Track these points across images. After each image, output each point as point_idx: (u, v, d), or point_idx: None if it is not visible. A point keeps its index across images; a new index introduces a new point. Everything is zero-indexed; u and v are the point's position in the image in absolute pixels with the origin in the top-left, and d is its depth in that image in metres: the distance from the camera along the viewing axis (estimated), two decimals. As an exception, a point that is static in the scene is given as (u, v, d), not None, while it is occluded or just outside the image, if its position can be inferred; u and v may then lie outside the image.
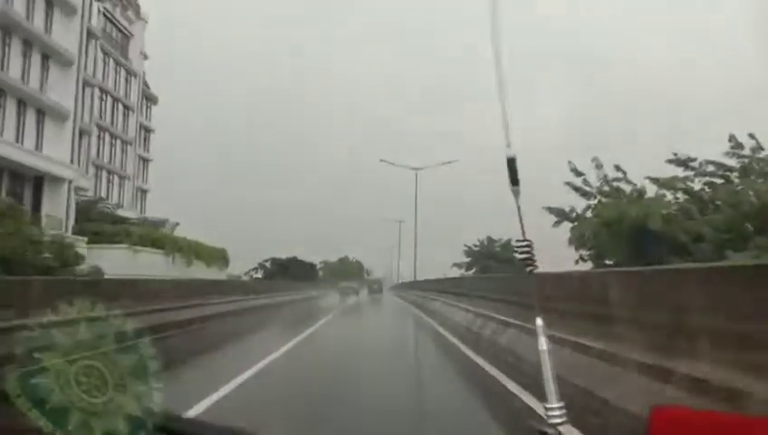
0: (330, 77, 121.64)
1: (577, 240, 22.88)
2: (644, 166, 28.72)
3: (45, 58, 29.71)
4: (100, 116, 41.70)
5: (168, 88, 79.09)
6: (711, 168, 21.11)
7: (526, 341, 6.90)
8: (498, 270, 39.29)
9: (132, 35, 47.94)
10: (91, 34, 33.79)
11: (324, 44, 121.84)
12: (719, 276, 4.10)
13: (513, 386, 5.92)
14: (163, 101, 54.07)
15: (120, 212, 39.74)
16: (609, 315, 5.22)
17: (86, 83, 33.13)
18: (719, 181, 20.84)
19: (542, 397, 1.44)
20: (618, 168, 22.99)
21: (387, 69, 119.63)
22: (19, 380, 1.04)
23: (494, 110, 1.51)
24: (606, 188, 22.81)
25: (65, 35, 30.34)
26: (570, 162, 23.43)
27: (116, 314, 1.13)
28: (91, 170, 37.74)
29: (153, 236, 33.81)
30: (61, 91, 30.06)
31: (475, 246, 50.56)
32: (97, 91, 39.17)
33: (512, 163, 1.60)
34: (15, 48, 27.86)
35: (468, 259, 50.18)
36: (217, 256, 43.69)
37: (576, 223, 23.39)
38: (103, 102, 42.57)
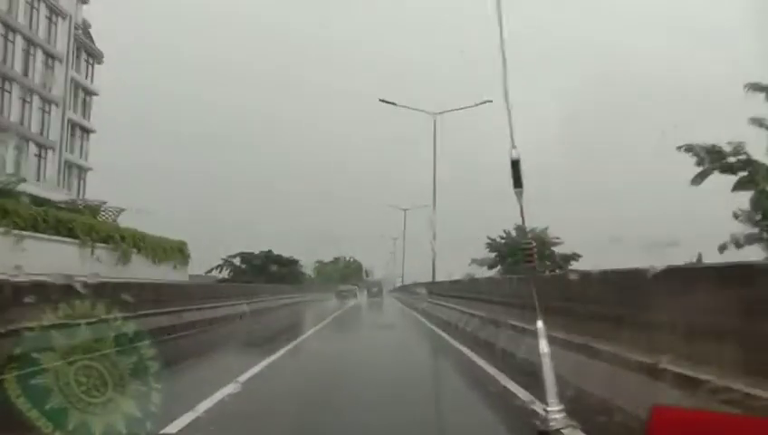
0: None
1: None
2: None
3: None
4: (3, 60, 30.89)
5: (126, 47, 66.18)
6: None
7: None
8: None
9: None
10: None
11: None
12: None
13: None
14: (117, 60, 43.47)
15: (37, 191, 29.10)
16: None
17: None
18: None
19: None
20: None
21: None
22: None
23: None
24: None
25: None
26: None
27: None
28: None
29: (60, 218, 23.16)
30: None
31: (501, 238, 39.87)
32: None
33: (516, 165, 1.93)
34: None
35: (492, 255, 40.03)
36: (172, 251, 33.25)
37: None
38: (10, 43, 31.70)
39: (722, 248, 14.90)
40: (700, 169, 15.02)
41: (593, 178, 56.31)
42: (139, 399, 2.38)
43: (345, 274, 65.52)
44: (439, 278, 29.89)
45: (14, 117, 32.13)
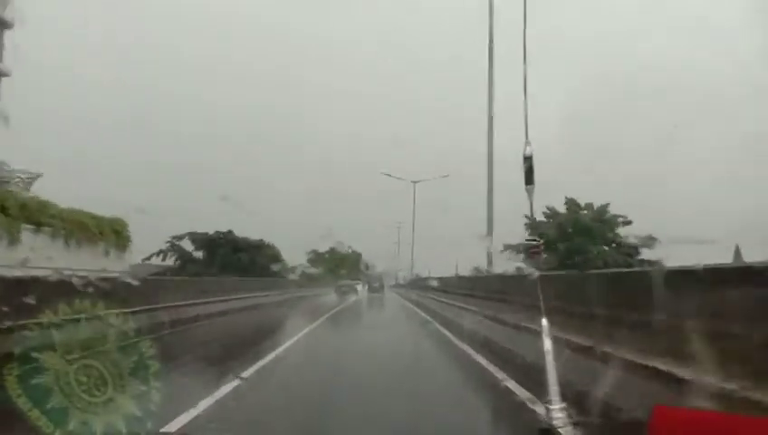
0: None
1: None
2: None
3: None
4: None
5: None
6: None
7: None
8: (592, 255, 26.14)
9: None
10: None
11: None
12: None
13: None
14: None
15: None
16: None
17: None
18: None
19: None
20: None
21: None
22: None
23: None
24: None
25: None
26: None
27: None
28: None
29: None
30: None
31: (545, 213, 29.09)
32: None
33: (528, 161, 1.94)
34: None
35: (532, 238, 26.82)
36: (103, 232, 24.36)
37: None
38: None
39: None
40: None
41: (593, 177, 56.36)
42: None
43: (344, 266, 55.56)
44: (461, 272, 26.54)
45: None
